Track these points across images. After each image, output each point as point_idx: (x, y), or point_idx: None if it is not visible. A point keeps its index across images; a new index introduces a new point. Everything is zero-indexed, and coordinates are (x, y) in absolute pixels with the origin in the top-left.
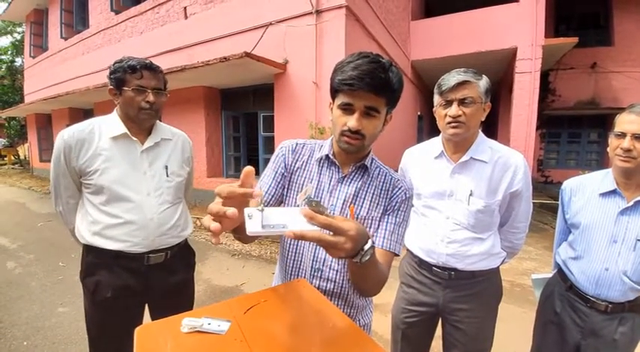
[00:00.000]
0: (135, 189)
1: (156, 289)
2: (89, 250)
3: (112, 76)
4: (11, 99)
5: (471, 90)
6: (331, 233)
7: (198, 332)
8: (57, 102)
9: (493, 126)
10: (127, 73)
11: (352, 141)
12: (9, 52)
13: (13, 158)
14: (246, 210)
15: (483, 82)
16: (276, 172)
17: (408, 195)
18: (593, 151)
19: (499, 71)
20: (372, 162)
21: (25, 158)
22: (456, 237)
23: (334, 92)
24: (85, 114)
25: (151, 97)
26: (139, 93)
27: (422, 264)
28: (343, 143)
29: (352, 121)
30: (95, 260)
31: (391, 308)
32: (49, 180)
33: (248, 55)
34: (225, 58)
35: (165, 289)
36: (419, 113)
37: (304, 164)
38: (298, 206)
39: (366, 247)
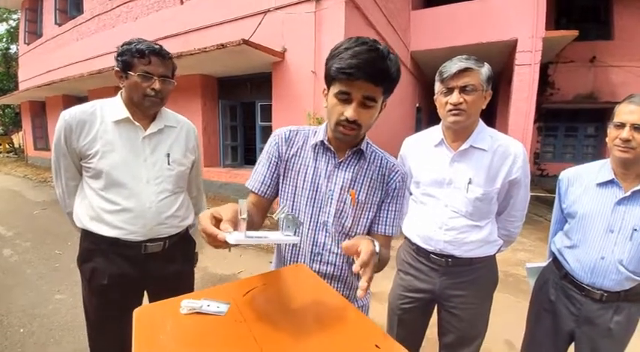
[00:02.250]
0: (134, 175)
1: (153, 278)
2: (86, 235)
3: (119, 58)
4: (6, 86)
5: (473, 78)
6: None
7: (198, 313)
8: (51, 89)
9: (491, 118)
10: (134, 56)
11: (348, 132)
12: (4, 40)
13: (7, 146)
14: (225, 233)
15: (485, 70)
16: (270, 162)
17: (404, 179)
18: (589, 145)
19: (499, 63)
20: (367, 147)
21: (20, 146)
22: (454, 225)
23: (330, 79)
24: (79, 101)
25: (157, 85)
26: (145, 80)
27: (419, 251)
28: (339, 133)
29: (349, 111)
30: (92, 246)
31: (388, 294)
32: (44, 169)
33: (246, 42)
34: (222, 45)
35: (163, 278)
36: (417, 105)
37: (299, 150)
38: (278, 219)
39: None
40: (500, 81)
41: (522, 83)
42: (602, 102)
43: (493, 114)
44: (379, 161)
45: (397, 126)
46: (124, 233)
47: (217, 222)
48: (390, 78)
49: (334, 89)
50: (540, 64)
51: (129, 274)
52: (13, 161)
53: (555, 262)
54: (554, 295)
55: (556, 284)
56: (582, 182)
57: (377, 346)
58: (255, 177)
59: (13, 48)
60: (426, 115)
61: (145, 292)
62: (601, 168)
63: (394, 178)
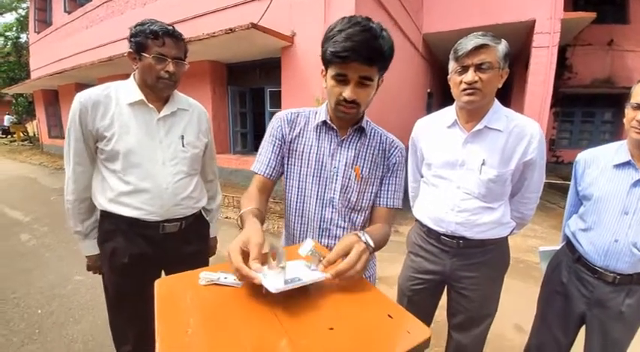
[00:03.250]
0: (150, 157)
1: (171, 257)
2: (105, 216)
3: (132, 39)
4: (17, 75)
5: (489, 55)
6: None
7: (215, 284)
8: (62, 77)
9: (506, 104)
10: (148, 38)
11: (348, 111)
12: (14, 29)
13: (22, 135)
14: (260, 275)
15: (502, 46)
16: (274, 145)
17: (403, 154)
18: (606, 131)
19: (515, 46)
20: (367, 124)
21: (34, 135)
22: (466, 207)
23: (327, 62)
24: None
25: (171, 67)
26: (159, 62)
27: (430, 233)
28: (339, 112)
29: (347, 92)
30: (111, 226)
31: (397, 278)
32: (59, 156)
33: (254, 26)
34: (230, 30)
35: (180, 258)
36: (429, 90)
37: (302, 131)
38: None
39: (365, 240)
40: (517, 64)
41: (539, 66)
42: (619, 88)
43: (508, 99)
44: (379, 137)
45: (406, 112)
46: (142, 213)
47: (245, 255)
48: (383, 57)
49: (331, 71)
50: (558, 47)
51: (148, 253)
52: (29, 149)
53: (569, 245)
54: (567, 277)
55: (569, 266)
56: (599, 164)
57: (390, 316)
58: (261, 160)
59: (24, 37)
60: (438, 101)
61: (163, 271)
62: (618, 150)
63: (394, 153)
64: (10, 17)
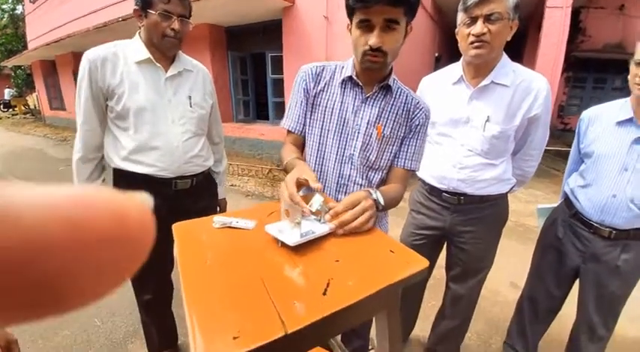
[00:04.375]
0: (160, 116)
1: (183, 213)
2: (120, 175)
3: None
4: (15, 47)
5: (499, 5)
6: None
7: (229, 227)
8: (58, 46)
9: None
10: None
11: (374, 59)
12: (9, 1)
13: (23, 108)
14: (276, 228)
15: None
16: (301, 101)
17: (428, 117)
18: (616, 97)
19: (528, 5)
20: (394, 82)
21: (35, 107)
22: (468, 163)
23: (350, 11)
24: None
25: (176, 25)
26: (165, 19)
27: (432, 190)
28: (366, 62)
29: (372, 39)
30: (126, 185)
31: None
32: (62, 128)
33: None
34: None
35: (192, 213)
36: (437, 54)
37: (326, 86)
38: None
39: (375, 198)
40: (529, 26)
41: (552, 28)
42: (628, 54)
43: (519, 62)
44: (404, 97)
45: (412, 78)
46: (155, 170)
47: (299, 185)
48: None
49: (355, 19)
50: (572, 9)
51: (162, 209)
52: (31, 122)
53: (566, 202)
54: (562, 233)
55: (564, 222)
56: (602, 121)
57: (391, 251)
58: (291, 116)
59: (20, 8)
60: (446, 65)
61: None
62: (622, 107)
63: (418, 115)
64: None
